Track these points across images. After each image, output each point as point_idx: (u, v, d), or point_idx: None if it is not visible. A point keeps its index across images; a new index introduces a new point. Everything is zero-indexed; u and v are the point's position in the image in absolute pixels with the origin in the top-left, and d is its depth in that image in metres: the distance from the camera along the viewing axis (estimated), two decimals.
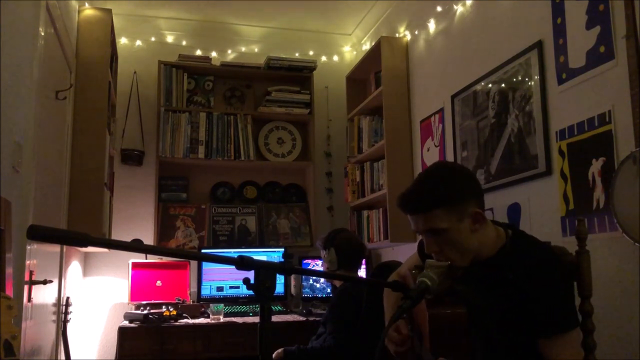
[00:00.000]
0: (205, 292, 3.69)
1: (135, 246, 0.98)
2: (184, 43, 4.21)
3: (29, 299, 2.20)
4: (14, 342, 1.32)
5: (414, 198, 1.51)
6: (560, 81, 2.23)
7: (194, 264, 3.78)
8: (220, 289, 3.72)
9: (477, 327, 1.50)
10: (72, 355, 2.96)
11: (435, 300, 1.43)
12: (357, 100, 4.07)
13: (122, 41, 4.06)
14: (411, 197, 1.52)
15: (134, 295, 3.62)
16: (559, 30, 2.25)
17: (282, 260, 1.10)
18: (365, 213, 3.87)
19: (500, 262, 1.51)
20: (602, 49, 2.01)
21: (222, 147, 3.96)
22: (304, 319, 3.44)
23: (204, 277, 3.70)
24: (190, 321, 3.31)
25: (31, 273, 2.20)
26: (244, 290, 3.72)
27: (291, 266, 1.11)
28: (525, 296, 1.43)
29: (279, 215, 4.14)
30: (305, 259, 3.90)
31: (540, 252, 1.52)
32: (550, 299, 1.42)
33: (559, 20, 2.25)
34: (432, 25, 3.36)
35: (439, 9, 3.27)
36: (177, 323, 3.24)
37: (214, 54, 4.23)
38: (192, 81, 4.09)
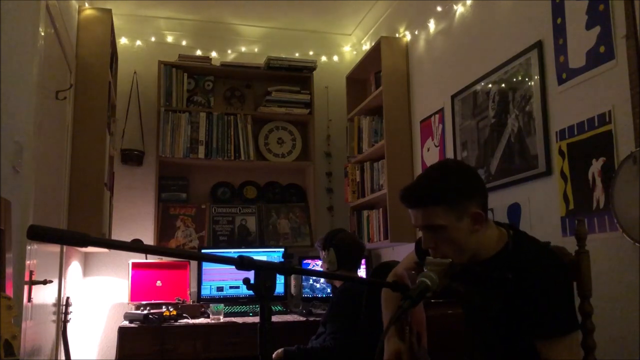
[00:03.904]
0: (205, 292, 3.69)
1: (135, 246, 0.98)
2: (184, 43, 4.21)
3: (29, 299, 2.20)
4: (14, 342, 1.32)
5: (415, 192, 1.52)
6: (560, 81, 2.23)
7: (194, 264, 3.78)
8: (220, 289, 3.72)
9: (475, 328, 1.50)
10: (72, 355, 2.96)
11: (433, 299, 1.42)
12: (357, 100, 4.07)
13: (122, 41, 4.06)
14: (412, 191, 1.53)
15: (134, 295, 3.62)
16: (559, 30, 2.25)
17: (282, 260, 1.10)
18: (365, 213, 3.87)
19: (501, 262, 1.50)
20: (602, 49, 2.01)
21: (222, 147, 3.96)
22: (304, 319, 3.44)
23: (204, 277, 3.70)
24: (190, 321, 3.31)
25: (31, 273, 2.20)
26: (244, 290, 3.72)
27: (291, 266, 1.11)
28: (524, 297, 1.42)
29: (279, 215, 4.14)
30: (305, 259, 3.90)
31: (541, 253, 1.52)
32: (550, 301, 1.41)
33: (559, 20, 2.25)
34: (432, 25, 3.36)
35: (439, 9, 3.27)
36: (177, 323, 3.24)
37: (214, 54, 4.23)
38: (192, 81, 4.09)
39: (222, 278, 3.72)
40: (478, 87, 2.80)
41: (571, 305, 1.48)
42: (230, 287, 3.73)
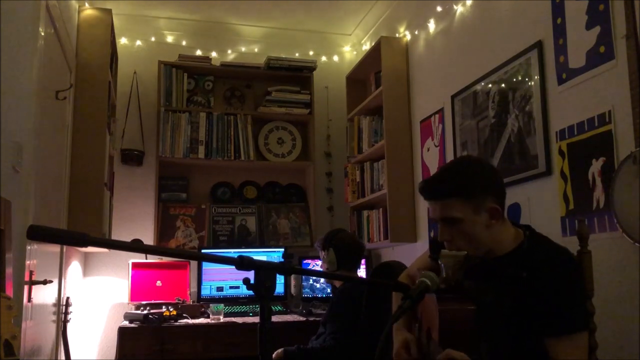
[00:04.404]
0: (205, 292, 3.69)
1: (135, 246, 0.98)
2: (184, 43, 4.21)
3: (29, 299, 2.20)
4: (14, 342, 1.32)
5: (433, 184, 1.56)
6: (560, 81, 2.23)
7: (194, 264, 3.78)
8: (220, 289, 3.72)
9: (484, 325, 1.50)
10: (72, 355, 2.96)
11: (446, 293, 1.43)
12: (357, 100, 4.07)
13: (122, 41, 4.06)
14: (431, 183, 1.57)
15: (134, 295, 3.62)
16: (559, 30, 2.25)
17: (282, 260, 1.11)
18: (365, 213, 3.87)
19: (515, 260, 1.52)
20: (602, 49, 2.01)
21: (222, 147, 3.96)
22: (304, 319, 3.44)
23: (204, 277, 3.70)
24: (190, 321, 3.31)
25: (31, 273, 2.20)
26: (244, 290, 3.72)
27: (291, 266, 1.11)
28: (537, 295, 1.44)
29: (279, 215, 4.14)
30: (305, 259, 3.90)
31: (556, 254, 1.53)
32: (562, 300, 1.43)
33: (559, 20, 2.25)
34: (432, 25, 3.36)
35: (439, 9, 3.27)
36: (177, 323, 3.24)
37: (214, 54, 4.23)
38: (192, 81, 4.09)
39: (222, 278, 3.72)
40: (478, 87, 2.80)
41: (582, 305, 1.50)
42: (230, 287, 3.73)
